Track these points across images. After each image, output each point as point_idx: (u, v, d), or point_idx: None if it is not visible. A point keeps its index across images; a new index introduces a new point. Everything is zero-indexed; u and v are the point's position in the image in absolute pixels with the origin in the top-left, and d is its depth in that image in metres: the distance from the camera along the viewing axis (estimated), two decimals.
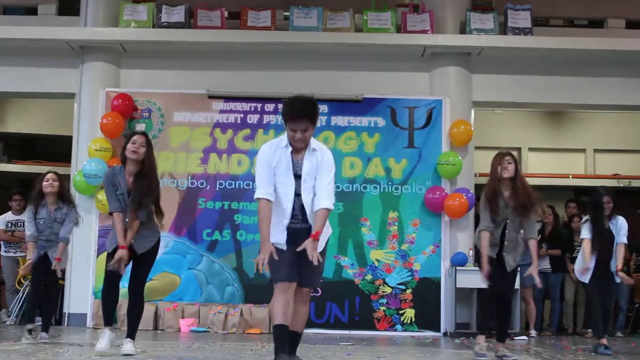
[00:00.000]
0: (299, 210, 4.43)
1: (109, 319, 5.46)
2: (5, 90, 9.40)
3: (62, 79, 9.05)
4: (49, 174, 6.64)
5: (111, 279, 5.42)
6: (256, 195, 4.44)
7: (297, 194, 4.44)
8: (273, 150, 4.49)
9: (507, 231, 5.85)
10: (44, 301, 6.72)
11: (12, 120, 11.96)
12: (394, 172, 8.78)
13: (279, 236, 4.43)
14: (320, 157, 4.47)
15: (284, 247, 4.42)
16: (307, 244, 4.30)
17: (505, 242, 5.86)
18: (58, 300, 8.02)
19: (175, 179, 8.73)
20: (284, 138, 4.49)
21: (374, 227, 8.68)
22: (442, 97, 8.88)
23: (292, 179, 4.43)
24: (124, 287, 5.62)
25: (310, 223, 4.40)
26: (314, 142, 4.50)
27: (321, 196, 4.40)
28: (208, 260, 8.60)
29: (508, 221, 5.84)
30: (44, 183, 6.56)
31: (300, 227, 4.43)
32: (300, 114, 4.33)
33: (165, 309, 8.36)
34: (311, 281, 4.53)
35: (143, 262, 5.51)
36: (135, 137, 5.48)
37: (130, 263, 5.49)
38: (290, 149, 4.45)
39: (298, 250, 4.35)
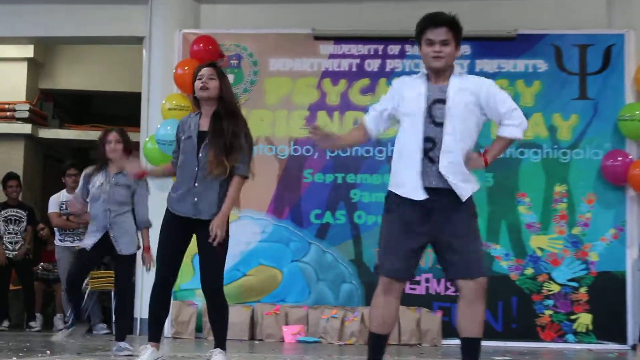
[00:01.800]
0: (437, 158, 4.28)
1: (157, 334, 5.29)
2: (54, 35, 9.42)
3: (127, 20, 9.07)
4: (111, 134, 6.46)
5: (161, 282, 5.24)
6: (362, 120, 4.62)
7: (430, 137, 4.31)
8: (404, 80, 4.52)
9: None
10: (118, 301, 6.50)
11: (63, 74, 12.08)
12: (561, 132, 8.42)
13: (402, 188, 4.34)
14: (476, 81, 4.41)
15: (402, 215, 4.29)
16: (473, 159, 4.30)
17: None
18: (133, 300, 7.83)
19: (273, 145, 8.58)
20: (422, 70, 4.48)
21: (535, 205, 8.37)
22: (624, 30, 8.44)
23: (425, 110, 4.31)
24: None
25: (456, 183, 4.24)
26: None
27: (506, 122, 4.34)
28: (318, 249, 8.44)
29: None
30: (106, 146, 6.43)
31: (435, 187, 4.25)
32: (437, 19, 4.34)
33: (264, 313, 8.25)
34: (468, 270, 4.20)
35: (207, 242, 5.12)
36: (201, 72, 5.28)
37: (196, 254, 5.23)
38: (425, 78, 4.39)
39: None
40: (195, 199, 5.12)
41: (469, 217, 4.33)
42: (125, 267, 6.40)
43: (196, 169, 5.14)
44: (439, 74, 4.34)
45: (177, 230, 5.19)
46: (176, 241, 5.22)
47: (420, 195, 4.26)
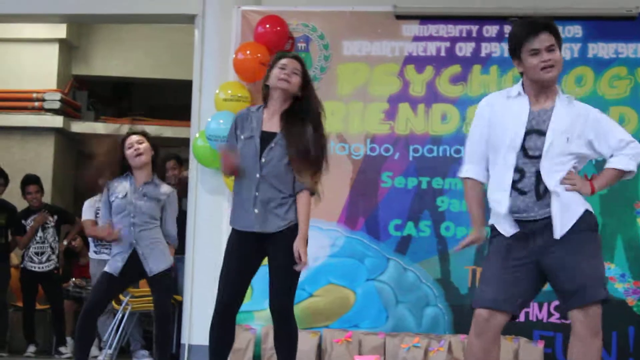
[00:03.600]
0: (531, 188, 4.48)
1: None
2: (90, 12, 9.48)
3: None
4: (134, 136, 6.65)
5: (222, 309, 5.38)
6: (460, 174, 4.84)
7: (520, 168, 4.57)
8: (494, 103, 4.71)
9: None
10: (158, 326, 6.65)
11: (100, 59, 12.42)
12: None
13: (499, 225, 4.59)
14: (582, 109, 4.61)
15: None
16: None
17: None
18: (174, 325, 8.05)
19: (346, 143, 8.58)
20: (516, 86, 4.67)
21: None
22: None
23: (520, 140, 4.53)
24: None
25: (554, 213, 4.44)
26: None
27: (618, 154, 4.58)
28: (398, 266, 8.40)
29: None
30: (128, 150, 6.57)
31: (533, 218, 4.46)
32: (537, 25, 4.52)
33: (334, 340, 8.22)
34: (578, 294, 4.36)
35: (278, 257, 5.34)
36: (284, 61, 5.43)
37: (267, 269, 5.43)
38: (525, 97, 4.59)
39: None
40: (257, 211, 5.27)
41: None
42: (162, 287, 6.53)
43: (257, 175, 5.28)
44: (542, 91, 4.51)
45: (246, 248, 5.35)
46: (241, 260, 5.37)
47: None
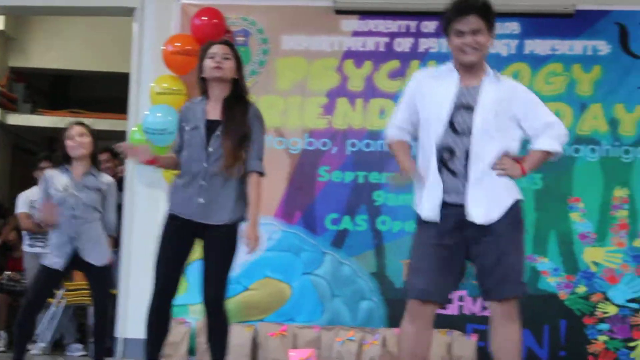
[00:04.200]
0: (461, 169, 4.52)
1: (155, 356, 5.56)
2: (27, 4, 9.42)
3: None
4: (75, 128, 6.66)
5: (160, 295, 5.43)
6: (386, 141, 4.98)
7: (449, 146, 4.58)
8: (425, 76, 4.83)
9: None
10: (97, 319, 6.72)
11: (37, 51, 12.26)
12: (624, 127, 8.42)
13: (427, 211, 4.59)
14: (510, 86, 4.69)
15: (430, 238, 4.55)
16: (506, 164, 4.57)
17: None
18: (114, 317, 8.12)
19: (284, 137, 8.61)
20: (448, 63, 4.76)
21: (591, 212, 8.36)
22: None
23: (447, 115, 4.58)
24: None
25: (479, 197, 4.52)
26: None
27: (543, 136, 4.67)
28: (334, 260, 8.45)
29: None
30: (68, 142, 6.59)
31: (452, 201, 4.53)
32: (466, 6, 4.58)
33: (269, 334, 8.25)
34: (500, 288, 4.53)
35: (215, 248, 5.40)
36: (213, 49, 5.49)
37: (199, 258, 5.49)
38: (455, 73, 4.64)
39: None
40: (203, 200, 5.32)
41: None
42: (101, 280, 6.58)
43: (205, 164, 5.35)
44: (468, 71, 4.56)
45: (181, 235, 5.38)
46: (178, 248, 5.41)
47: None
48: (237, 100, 5.51)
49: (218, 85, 5.50)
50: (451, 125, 4.54)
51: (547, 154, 4.73)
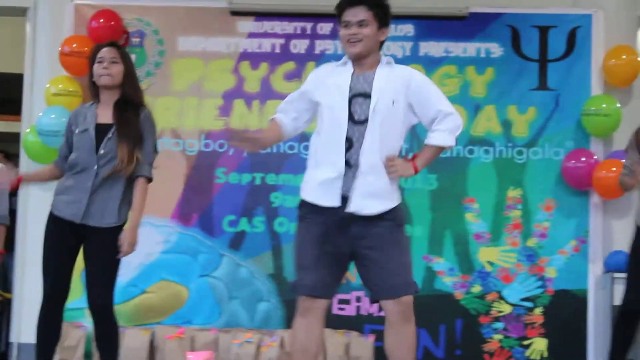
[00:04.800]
0: (355, 157, 4.55)
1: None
2: None
3: None
4: None
5: (49, 299, 5.45)
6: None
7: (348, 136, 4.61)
8: (323, 70, 4.83)
9: None
10: None
11: None
12: (517, 128, 8.59)
13: (314, 193, 4.65)
14: (405, 73, 4.71)
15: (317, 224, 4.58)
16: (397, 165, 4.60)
17: None
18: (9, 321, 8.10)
19: (180, 138, 8.60)
20: (345, 57, 4.78)
21: (485, 212, 8.52)
22: (591, 10, 8.64)
23: (346, 104, 4.59)
24: None
25: (362, 190, 4.56)
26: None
27: (437, 129, 4.66)
28: (231, 262, 8.49)
29: None
30: None
31: (350, 189, 4.55)
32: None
33: (166, 337, 8.22)
34: (392, 286, 4.55)
35: (99, 251, 5.43)
36: (101, 54, 5.50)
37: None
38: (350, 64, 4.69)
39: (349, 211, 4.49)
40: (87, 202, 5.34)
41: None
42: None
43: (95, 167, 5.38)
44: (360, 64, 4.59)
45: (65, 236, 5.39)
46: (64, 249, 5.41)
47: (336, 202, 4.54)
48: (128, 104, 5.54)
49: (108, 91, 5.55)
50: (350, 114, 4.57)
51: (441, 148, 4.73)
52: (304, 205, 4.72)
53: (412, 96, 4.65)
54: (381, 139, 4.54)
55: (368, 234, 4.56)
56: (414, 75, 4.76)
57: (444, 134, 4.66)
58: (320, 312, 4.63)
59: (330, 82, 4.70)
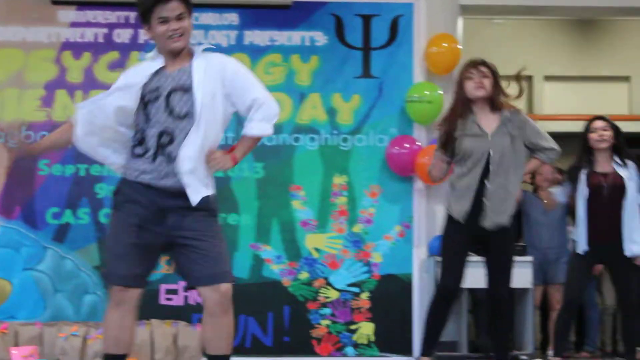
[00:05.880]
0: (177, 151, 4.56)
1: None
2: None
3: None
4: None
5: None
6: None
7: (168, 130, 4.59)
8: (128, 70, 4.85)
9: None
10: None
11: None
12: (341, 115, 8.82)
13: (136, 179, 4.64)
14: (219, 62, 4.68)
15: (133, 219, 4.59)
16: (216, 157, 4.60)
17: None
18: None
19: (2, 131, 8.30)
20: (152, 52, 4.77)
21: (311, 199, 8.72)
22: None
23: (163, 101, 4.59)
24: None
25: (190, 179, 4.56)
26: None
27: (253, 119, 4.66)
28: (55, 255, 8.50)
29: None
30: None
31: (163, 185, 4.56)
32: None
33: None
34: (212, 274, 4.57)
35: None
36: None
37: None
38: (160, 60, 4.67)
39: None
40: None
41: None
42: None
43: None
44: (175, 58, 4.62)
45: None
46: None
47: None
48: None
49: None
50: (169, 109, 4.57)
51: (259, 137, 4.76)
52: (120, 193, 4.73)
53: (228, 85, 4.67)
54: (203, 133, 4.56)
55: (186, 223, 4.60)
56: (227, 63, 4.72)
57: (260, 123, 4.67)
58: (133, 303, 4.64)
59: (138, 81, 4.68)
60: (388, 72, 8.83)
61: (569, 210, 8.18)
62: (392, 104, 8.79)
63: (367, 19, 8.86)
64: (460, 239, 6.11)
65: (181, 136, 4.52)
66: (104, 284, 8.31)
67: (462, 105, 6.16)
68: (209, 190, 4.63)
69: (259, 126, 4.68)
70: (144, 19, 4.63)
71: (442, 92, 8.63)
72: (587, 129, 7.11)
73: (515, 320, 8.85)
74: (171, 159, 4.53)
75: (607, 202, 6.93)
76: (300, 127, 8.75)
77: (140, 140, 4.60)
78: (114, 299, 4.61)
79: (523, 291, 8.46)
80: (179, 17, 4.57)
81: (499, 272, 6.13)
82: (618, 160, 7.00)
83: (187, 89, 4.55)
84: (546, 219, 8.80)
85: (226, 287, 4.59)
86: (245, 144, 4.76)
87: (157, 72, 4.64)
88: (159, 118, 4.55)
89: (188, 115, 4.53)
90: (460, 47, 8.87)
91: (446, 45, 8.78)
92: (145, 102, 4.57)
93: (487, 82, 6.08)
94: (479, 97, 6.09)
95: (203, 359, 7.98)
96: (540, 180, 8.78)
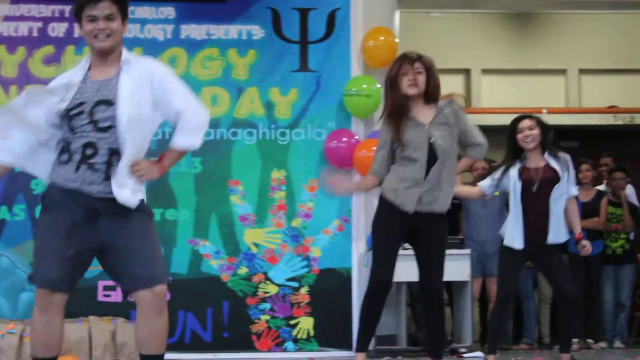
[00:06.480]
0: (102, 166, 4.52)
1: None
2: None
3: None
4: None
5: None
6: None
7: (92, 142, 4.53)
8: (62, 74, 4.73)
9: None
10: None
11: None
12: (279, 110, 8.87)
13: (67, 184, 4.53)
14: (147, 70, 4.61)
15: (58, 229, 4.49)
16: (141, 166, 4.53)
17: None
18: None
19: None
20: (87, 58, 4.68)
21: (250, 194, 8.75)
22: None
23: (87, 115, 4.51)
24: None
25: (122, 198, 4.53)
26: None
27: (181, 130, 4.61)
28: None
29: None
30: None
31: (89, 192, 4.50)
32: None
33: None
34: (146, 276, 4.52)
35: None
36: None
37: None
38: (88, 65, 4.62)
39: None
40: None
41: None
42: None
43: None
44: (104, 60, 4.56)
45: None
46: None
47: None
48: None
49: None
50: (93, 122, 4.50)
51: (186, 151, 4.76)
52: (48, 195, 4.64)
53: (156, 93, 4.62)
54: (131, 143, 4.52)
55: (119, 225, 4.57)
56: (155, 70, 4.65)
57: (186, 137, 4.64)
58: (60, 306, 4.55)
59: (63, 89, 4.61)
60: (325, 65, 8.88)
61: (506, 203, 8.27)
62: (330, 97, 8.84)
63: (304, 13, 8.90)
64: (394, 229, 6.10)
65: (105, 148, 4.49)
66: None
67: (399, 105, 6.13)
68: (138, 196, 4.61)
69: (185, 140, 4.65)
70: (76, 16, 4.59)
71: (379, 86, 8.60)
72: (515, 130, 7.02)
73: (454, 312, 9.05)
74: (94, 170, 4.49)
75: (538, 197, 6.97)
76: (238, 122, 8.77)
77: (64, 148, 4.56)
78: (40, 302, 4.50)
79: (462, 284, 8.60)
80: (108, 18, 4.51)
81: (433, 264, 6.09)
82: (551, 154, 7.03)
83: (111, 103, 4.49)
84: (485, 211, 8.92)
85: (161, 288, 4.55)
86: (172, 155, 4.74)
87: (83, 80, 4.59)
88: (83, 130, 4.49)
89: (112, 128, 4.48)
90: (397, 40, 8.93)
91: (383, 38, 8.84)
92: (70, 116, 4.52)
93: (421, 79, 6.08)
94: (413, 95, 6.09)
95: None
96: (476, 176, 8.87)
